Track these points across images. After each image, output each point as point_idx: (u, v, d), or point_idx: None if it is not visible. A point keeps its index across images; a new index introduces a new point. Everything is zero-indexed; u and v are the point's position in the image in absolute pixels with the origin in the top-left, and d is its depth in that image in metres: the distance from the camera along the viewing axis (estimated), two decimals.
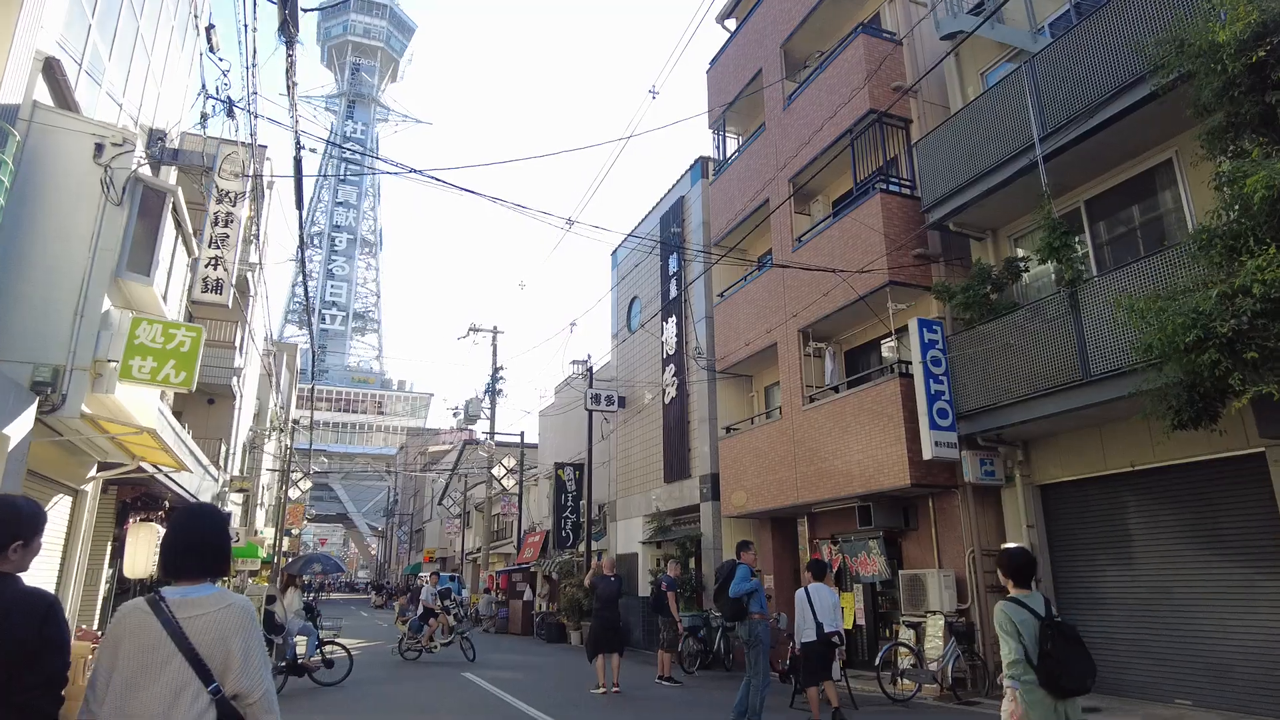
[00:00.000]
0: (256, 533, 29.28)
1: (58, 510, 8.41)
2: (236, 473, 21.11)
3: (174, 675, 2.20)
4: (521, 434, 30.83)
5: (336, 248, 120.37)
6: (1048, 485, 10.74)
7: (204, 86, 9.79)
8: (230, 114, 9.61)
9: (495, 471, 29.90)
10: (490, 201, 9.65)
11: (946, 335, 11.16)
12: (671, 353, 18.56)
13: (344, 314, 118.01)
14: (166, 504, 12.61)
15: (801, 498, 13.29)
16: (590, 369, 21.84)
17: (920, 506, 12.22)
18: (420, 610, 16.27)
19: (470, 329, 34.26)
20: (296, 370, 49.74)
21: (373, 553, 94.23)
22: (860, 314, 13.17)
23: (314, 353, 40.57)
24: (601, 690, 10.83)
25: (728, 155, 17.99)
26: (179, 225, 8.96)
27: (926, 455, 10.50)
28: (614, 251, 23.45)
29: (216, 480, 17.27)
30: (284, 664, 11.19)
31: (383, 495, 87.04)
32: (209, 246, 18.87)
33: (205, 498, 15.99)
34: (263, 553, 24.22)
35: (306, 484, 32.27)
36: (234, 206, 19.53)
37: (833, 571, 13.22)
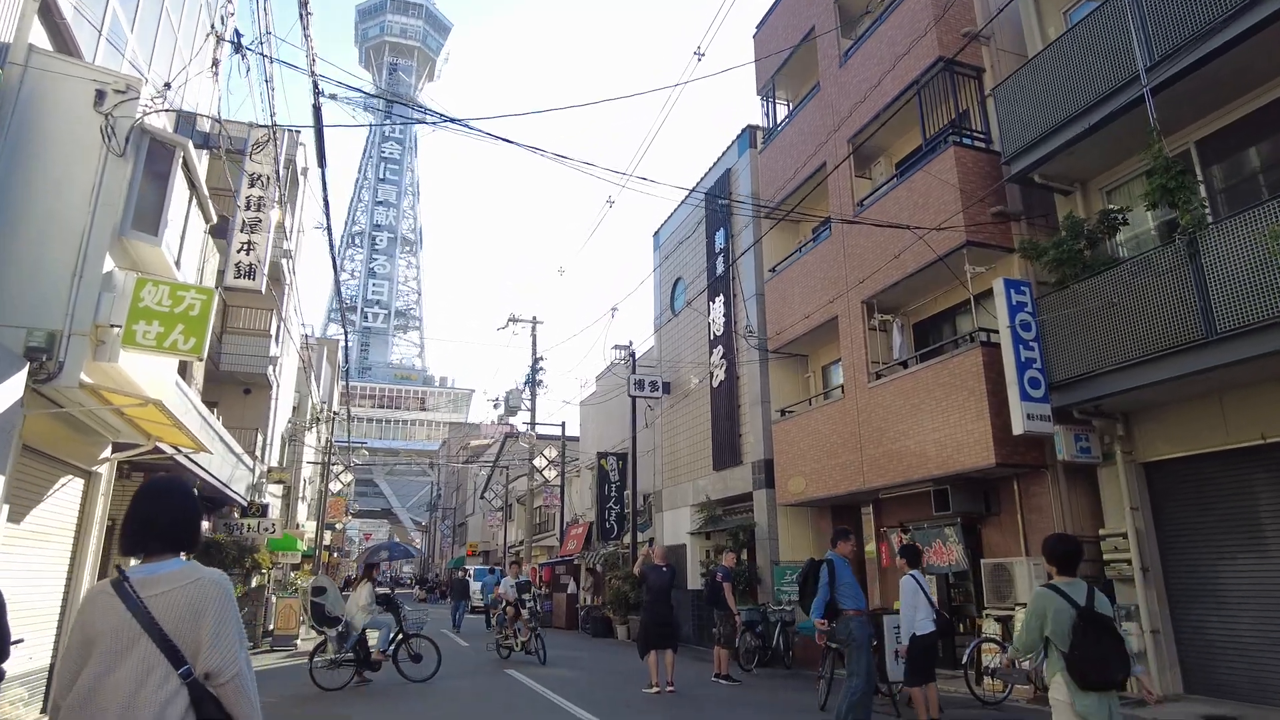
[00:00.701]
0: (298, 526, 29.03)
1: (66, 493, 7.78)
2: (275, 464, 20.69)
3: (140, 658, 2.08)
4: (563, 424, 30.07)
5: (378, 246, 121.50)
6: (1154, 463, 9.52)
7: (212, 27, 9.06)
8: (239, 51, 8.86)
9: (537, 463, 29.21)
10: (529, 152, 8.79)
11: (1035, 298, 10.00)
12: (719, 333, 17.57)
13: (386, 312, 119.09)
14: (196, 493, 12.06)
15: (868, 483, 12.23)
16: (633, 354, 20.96)
17: (1003, 489, 11.08)
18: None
19: (509, 319, 33.59)
20: (338, 364, 49.82)
21: (418, 546, 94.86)
22: (931, 282, 12.06)
23: (344, 315, 39.82)
24: (655, 690, 9.95)
25: (777, 122, 16.92)
26: (193, 185, 8.25)
27: (1017, 430, 9.37)
28: (656, 233, 22.51)
29: (251, 470, 16.79)
30: (350, 657, 10.46)
31: (426, 490, 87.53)
32: (240, 231, 18.45)
33: (239, 488, 15.48)
34: (303, 545, 23.85)
35: (348, 477, 31.95)
36: (265, 190, 19.08)
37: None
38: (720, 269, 17.65)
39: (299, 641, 15.92)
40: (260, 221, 18.56)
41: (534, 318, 33.78)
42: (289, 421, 25.16)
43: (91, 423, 7.61)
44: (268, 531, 16.57)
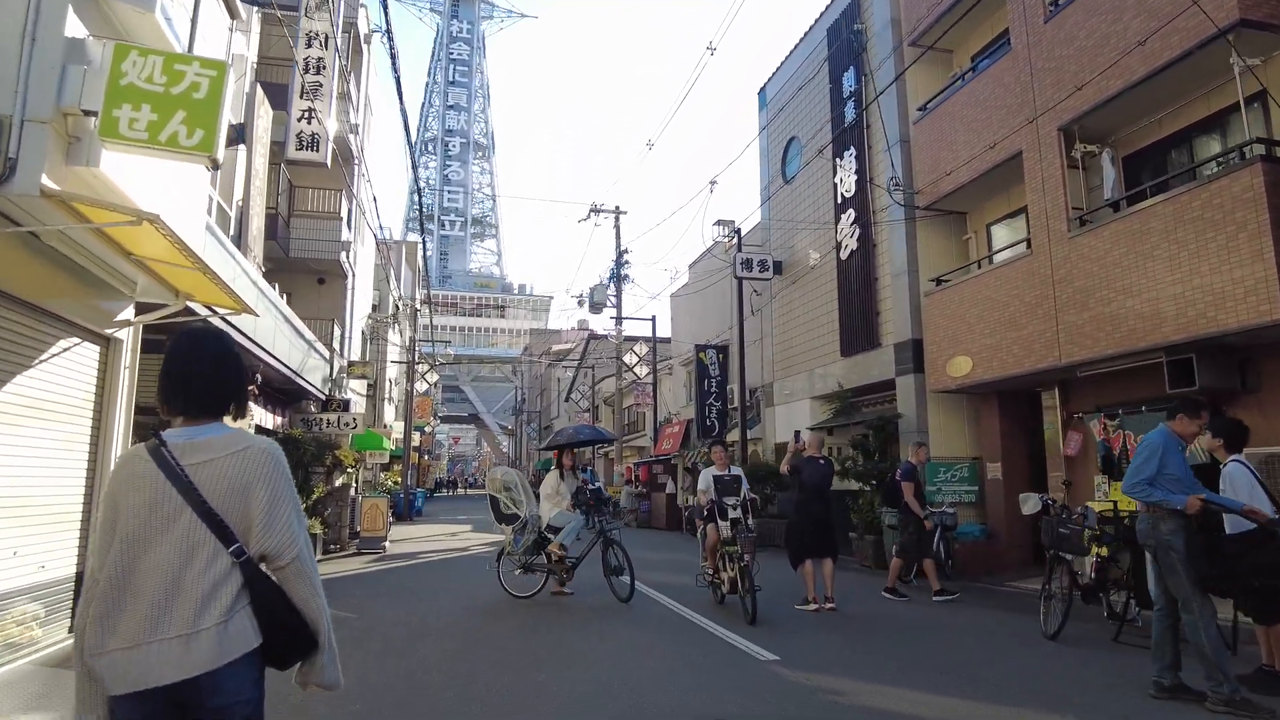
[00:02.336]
0: (385, 426, 28.30)
1: (76, 362, 6.07)
2: (355, 358, 19.38)
3: (184, 533, 1.81)
4: (653, 319, 28.09)
5: (451, 152, 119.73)
6: None
7: None
8: None
9: (627, 359, 27.40)
10: None
11: None
12: (849, 195, 14.85)
13: (462, 219, 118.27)
14: (259, 378, 10.51)
15: (1066, 356, 9.68)
16: (738, 231, 18.43)
17: (1265, 359, 8.41)
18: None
19: (591, 210, 31.37)
20: (418, 268, 48.79)
21: (504, 450, 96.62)
22: (1163, 93, 9.11)
23: (419, 197, 38.73)
24: (813, 607, 7.99)
25: None
26: None
27: None
28: (761, 89, 19.53)
29: (328, 361, 15.35)
30: (543, 561, 8.88)
31: (510, 396, 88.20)
32: (300, 97, 16.39)
33: (315, 378, 14.03)
34: (389, 445, 22.89)
35: (433, 377, 30.96)
36: (324, 50, 16.85)
37: (1113, 454, 9.76)
38: (850, 116, 14.76)
39: (387, 544, 14.73)
40: (321, 87, 16.51)
41: (617, 208, 31.57)
42: (369, 318, 23.86)
43: (87, 262, 5.79)
44: (349, 427, 15.24)
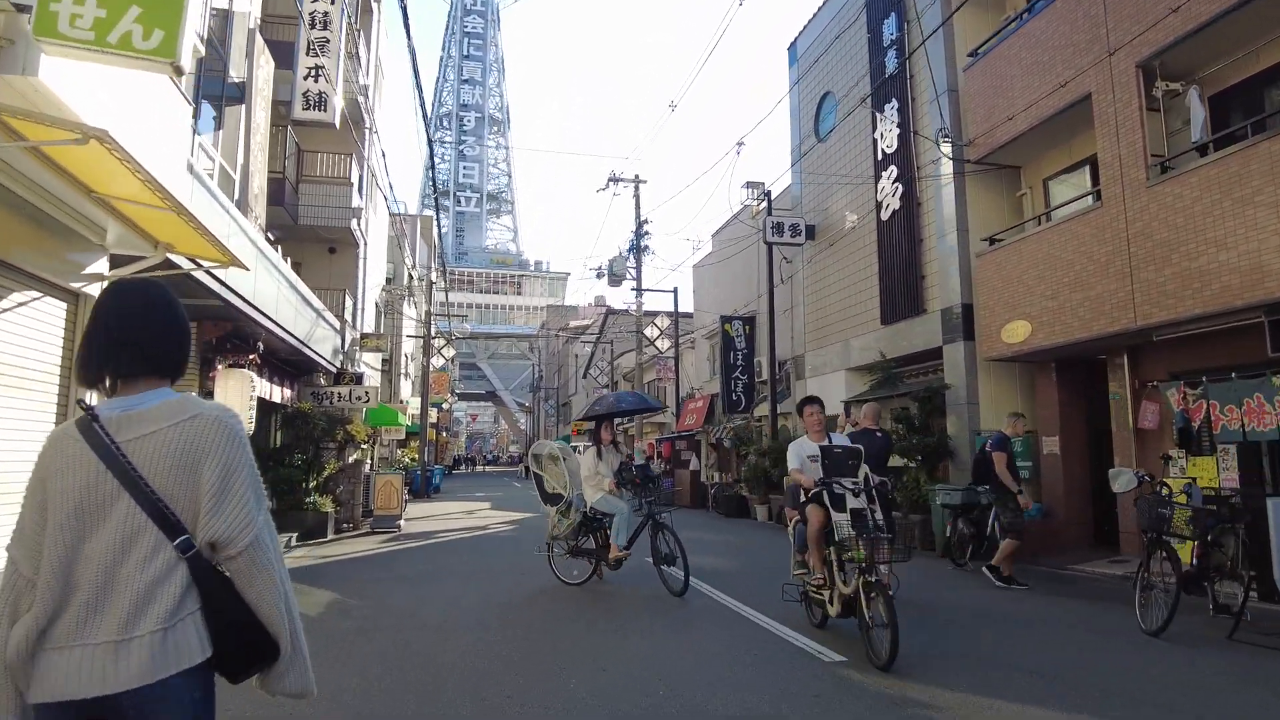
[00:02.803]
0: (401, 402, 27.71)
1: (39, 319, 5.33)
2: (368, 330, 18.69)
3: (120, 523, 1.52)
4: (674, 290, 27.09)
5: (465, 127, 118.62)
6: None
7: None
8: None
9: (648, 332, 26.56)
10: None
11: None
12: (890, 151, 13.85)
13: (478, 195, 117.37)
14: (260, 346, 9.79)
15: (1143, 318, 8.74)
16: (768, 194, 17.44)
17: None
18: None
19: (610, 179, 30.48)
20: (434, 242, 48.03)
21: (521, 428, 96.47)
22: (1259, 21, 8.07)
23: (433, 165, 38.05)
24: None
25: None
26: None
27: None
28: (791, 44, 18.43)
29: (338, 332, 14.64)
30: (591, 546, 7.98)
31: (528, 373, 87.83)
32: (306, 54, 15.54)
33: (324, 349, 13.32)
34: (405, 420, 22.26)
35: (450, 351, 30.32)
36: (332, 5, 15.93)
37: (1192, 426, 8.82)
38: (892, 66, 13.71)
39: (402, 522, 14.08)
40: (329, 42, 15.63)
41: (636, 177, 30.63)
42: (383, 290, 23.16)
43: (48, 205, 5.02)
44: (361, 401, 14.56)
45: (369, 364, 19.97)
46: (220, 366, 9.53)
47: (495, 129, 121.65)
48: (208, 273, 6.55)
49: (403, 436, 25.87)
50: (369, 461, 15.54)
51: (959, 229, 12.16)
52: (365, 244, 18.66)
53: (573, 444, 40.99)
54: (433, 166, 19.84)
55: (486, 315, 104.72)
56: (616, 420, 9.40)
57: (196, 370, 9.36)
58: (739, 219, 19.80)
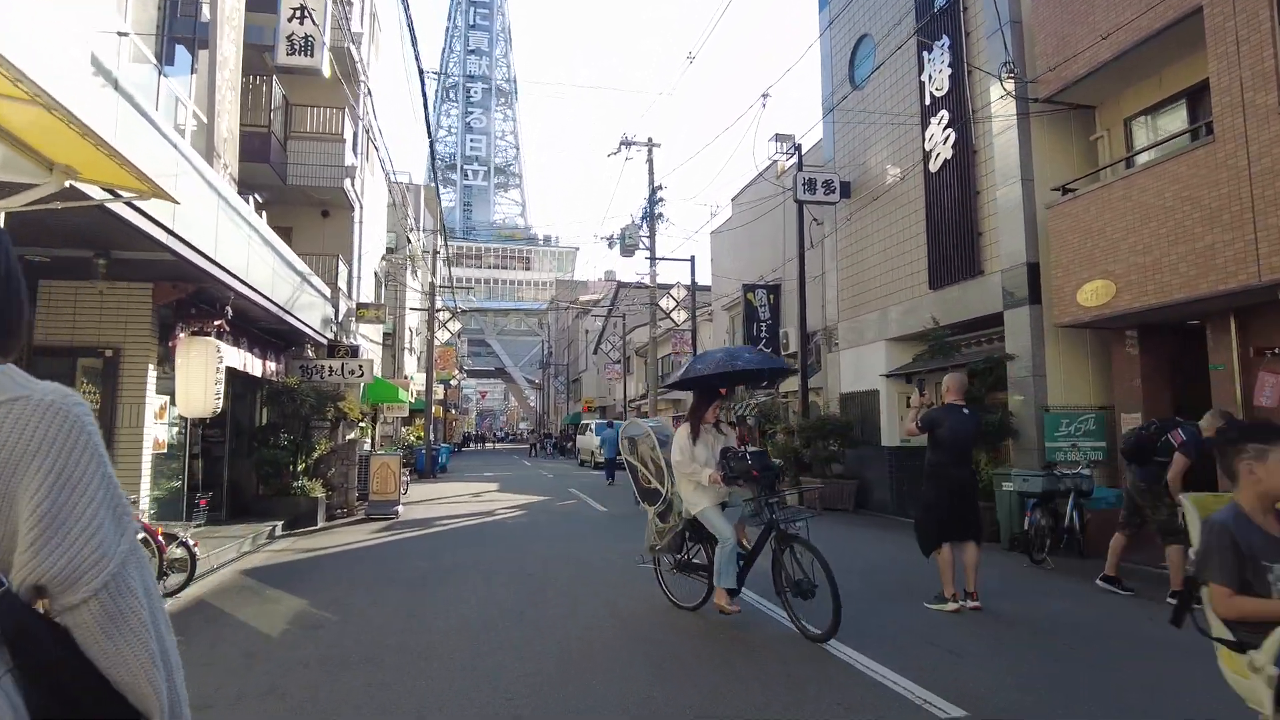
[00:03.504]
0: (406, 378, 26.51)
1: None
2: (366, 299, 17.39)
3: None
4: (691, 259, 25.69)
5: (472, 99, 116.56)
6: None
7: None
8: None
9: (663, 303, 25.19)
10: None
11: None
12: (940, 93, 12.35)
13: (485, 169, 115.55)
14: (229, 311, 8.50)
15: (1271, 272, 7.32)
16: (797, 147, 15.95)
17: None
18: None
19: (622, 143, 28.98)
20: (439, 215, 46.58)
21: (531, 404, 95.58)
22: None
23: (431, 131, 36.77)
24: (952, 606, 5.87)
25: None
26: None
27: None
28: None
29: (327, 299, 13.35)
30: (700, 562, 6.03)
31: (537, 349, 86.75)
32: None
33: (311, 319, 12.04)
34: (407, 397, 21.03)
35: (456, 325, 29.05)
36: None
37: None
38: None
39: (400, 508, 12.86)
40: None
41: (649, 140, 29.15)
42: (384, 259, 21.85)
43: None
44: (354, 375, 13.30)
45: (367, 337, 18.71)
46: (182, 334, 8.26)
47: (503, 101, 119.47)
48: (131, 206, 5.22)
49: (406, 414, 24.73)
50: (368, 441, 14.34)
51: (1023, 178, 10.70)
52: (361, 207, 17.32)
53: (583, 421, 39.70)
54: (427, 120, 18.43)
55: (495, 290, 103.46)
56: (722, 390, 6.65)
57: (154, 338, 8.09)
58: (764, 177, 18.33)
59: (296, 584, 7.12)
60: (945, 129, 12.21)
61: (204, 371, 7.98)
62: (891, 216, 13.93)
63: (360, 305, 16.69)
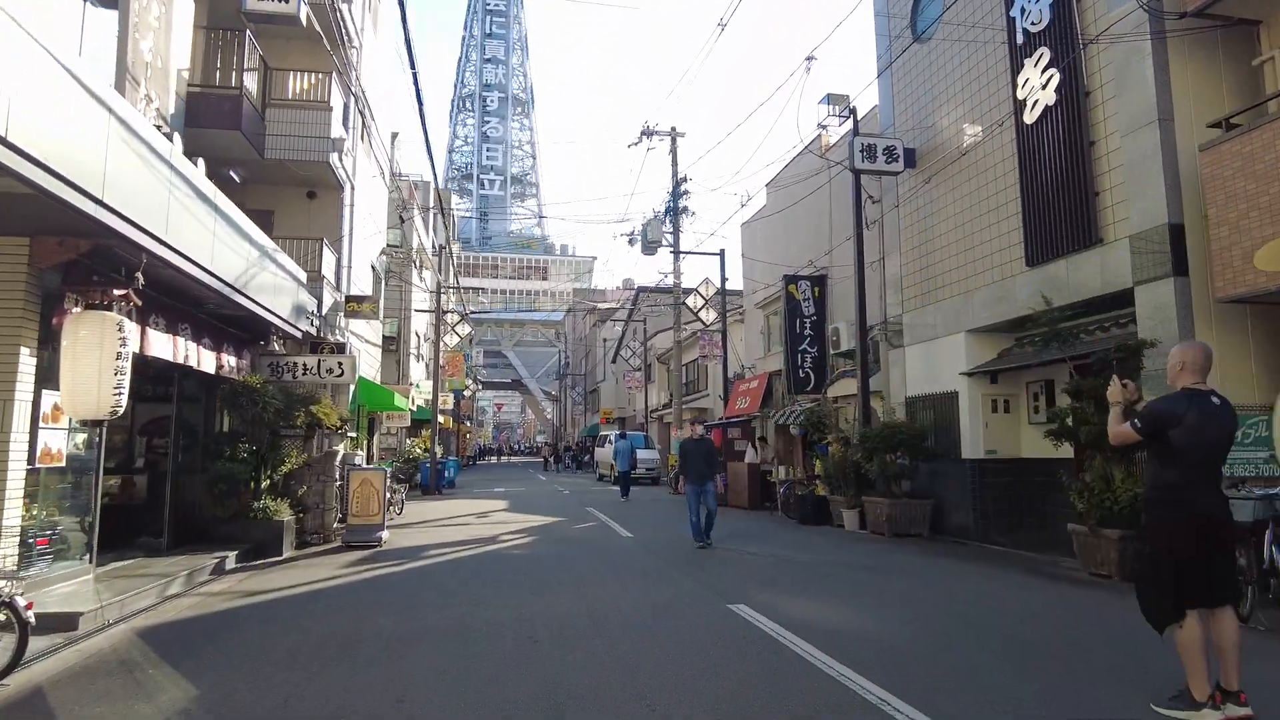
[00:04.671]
0: (413, 385, 24.49)
1: None
2: (358, 292, 15.36)
3: None
4: (721, 252, 23.55)
5: (489, 108, 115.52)
6: None
7: None
8: None
9: (691, 302, 23.02)
10: None
11: None
12: (1038, 27, 10.12)
13: (501, 178, 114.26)
14: (139, 279, 6.42)
15: None
16: (852, 110, 13.75)
17: None
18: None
19: (643, 133, 27.05)
20: (452, 217, 44.87)
21: (548, 417, 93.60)
22: None
23: (423, 127, 34.83)
24: (1213, 715, 3.61)
25: None
26: None
27: None
28: None
29: (302, 283, 11.30)
30: None
31: (554, 360, 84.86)
32: None
33: (279, 305, 10.00)
34: (406, 404, 18.97)
35: (465, 329, 27.00)
36: None
37: None
38: None
39: (384, 534, 10.68)
40: None
41: (673, 129, 27.17)
42: (383, 253, 19.87)
43: None
44: (332, 374, 11.22)
45: (361, 336, 16.69)
46: (74, 308, 6.19)
47: (520, 109, 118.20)
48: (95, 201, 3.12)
49: (408, 423, 22.69)
50: (360, 454, 12.21)
51: (1160, 118, 8.46)
52: (352, 188, 15.34)
53: (601, 432, 37.46)
54: (419, 97, 16.38)
55: (512, 301, 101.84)
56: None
57: (31, 310, 6.04)
58: (810, 150, 16.15)
59: (199, 656, 4.99)
60: (1045, 70, 9.99)
61: (98, 357, 5.90)
62: (970, 185, 11.71)
63: (350, 298, 14.66)
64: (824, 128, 15.64)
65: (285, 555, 9.63)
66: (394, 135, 23.26)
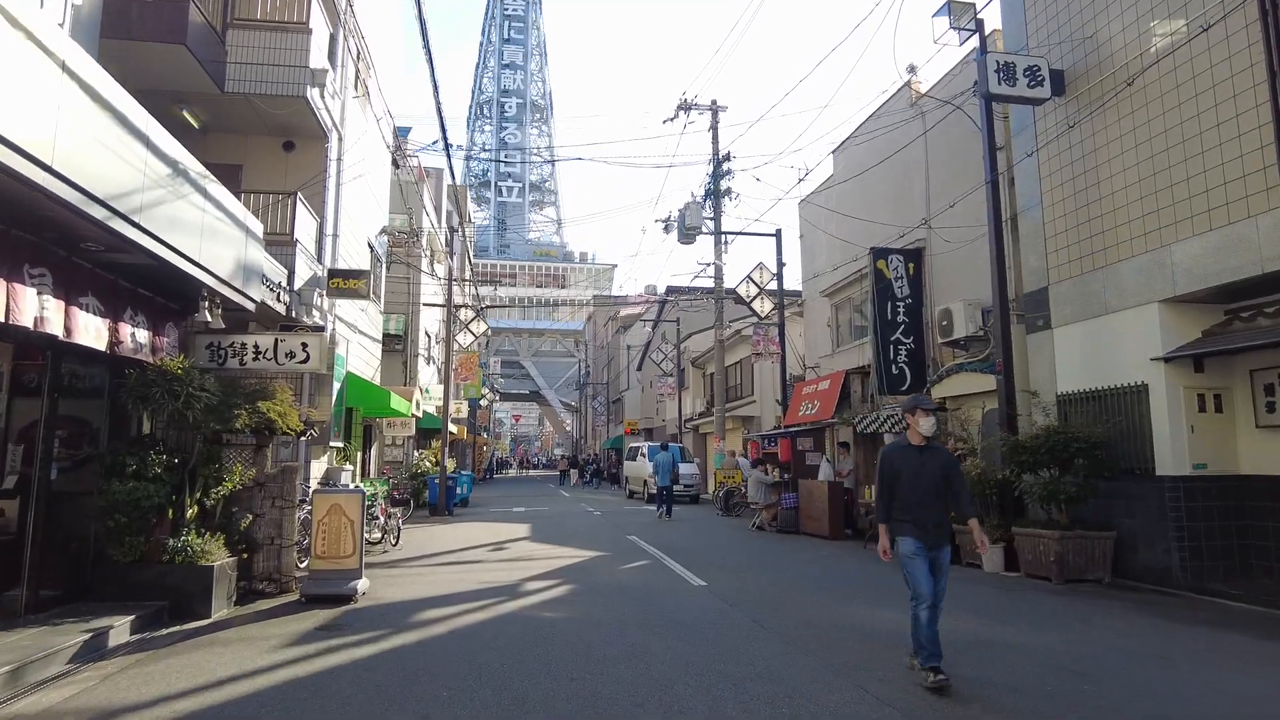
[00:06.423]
0: (423, 389, 21.52)
1: None
2: (347, 267, 12.38)
3: None
4: (777, 233, 20.44)
5: (507, 114, 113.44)
6: None
7: None
8: None
9: (743, 290, 19.90)
10: None
11: None
12: None
13: (520, 185, 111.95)
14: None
15: None
16: (979, 23, 10.62)
17: None
18: None
19: (680, 107, 24.17)
20: (468, 213, 42.14)
21: (567, 429, 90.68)
22: None
23: (438, 117, 32.03)
24: None
25: None
26: None
27: None
28: None
29: (259, 239, 8.27)
30: None
31: (574, 371, 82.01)
32: None
33: (212, 258, 7.00)
34: (409, 407, 15.97)
35: (480, 326, 24.02)
36: None
37: None
38: None
39: (361, 583, 7.53)
40: None
41: (714, 101, 24.26)
42: (383, 231, 16.93)
43: None
44: (292, 359, 8.19)
45: (352, 324, 13.72)
46: None
47: (538, 116, 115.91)
48: None
49: (413, 432, 19.69)
50: (349, 468, 9.14)
51: None
52: (340, 137, 12.42)
53: (630, 444, 34.31)
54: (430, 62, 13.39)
55: (530, 311, 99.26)
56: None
57: None
58: (909, 86, 13.03)
59: None
60: None
61: None
62: (1158, 105, 8.55)
63: (335, 272, 11.69)
64: (909, 79, 12.54)
65: (214, 617, 6.59)
66: (398, 129, 20.38)
